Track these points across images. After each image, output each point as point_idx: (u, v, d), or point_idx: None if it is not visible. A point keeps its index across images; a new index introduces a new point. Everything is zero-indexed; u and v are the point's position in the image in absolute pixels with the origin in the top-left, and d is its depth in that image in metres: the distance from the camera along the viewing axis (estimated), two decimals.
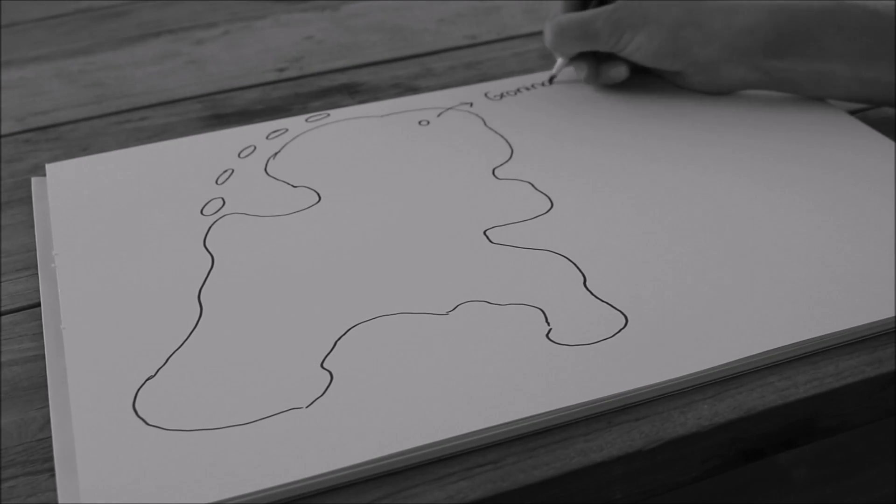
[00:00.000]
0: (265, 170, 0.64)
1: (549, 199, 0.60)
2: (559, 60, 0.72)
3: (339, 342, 0.50)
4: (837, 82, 0.65)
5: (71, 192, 0.63)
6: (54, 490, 0.44)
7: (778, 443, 0.48)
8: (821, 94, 0.67)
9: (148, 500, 0.42)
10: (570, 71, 0.73)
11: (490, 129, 0.67)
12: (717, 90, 0.69)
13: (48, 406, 0.48)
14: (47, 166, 0.66)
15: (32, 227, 0.61)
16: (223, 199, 0.62)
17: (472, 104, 0.71)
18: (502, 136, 0.67)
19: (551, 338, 0.50)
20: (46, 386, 0.49)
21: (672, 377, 0.47)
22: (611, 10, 0.67)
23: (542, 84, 0.73)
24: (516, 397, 0.46)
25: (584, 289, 0.53)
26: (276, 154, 0.66)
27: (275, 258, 0.56)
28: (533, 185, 0.61)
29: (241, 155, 0.66)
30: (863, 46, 0.63)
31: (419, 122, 0.69)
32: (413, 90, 0.76)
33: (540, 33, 0.84)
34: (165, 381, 0.48)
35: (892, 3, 0.64)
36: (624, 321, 0.50)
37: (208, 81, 0.79)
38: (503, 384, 0.47)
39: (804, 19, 0.64)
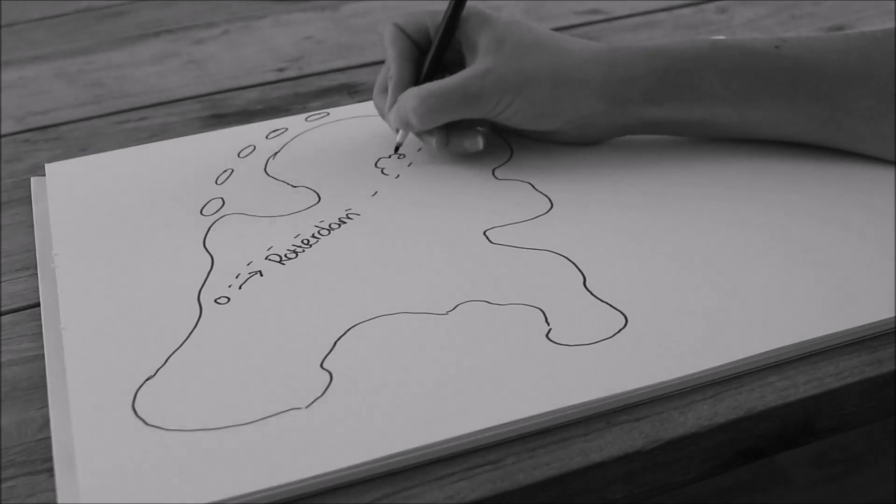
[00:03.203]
0: (265, 169, 0.64)
1: (549, 199, 0.60)
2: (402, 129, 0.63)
3: (339, 342, 0.50)
4: (721, 125, 0.62)
5: (71, 192, 0.63)
6: (54, 490, 0.44)
7: (778, 443, 0.48)
8: (706, 136, 0.64)
9: (148, 500, 0.42)
10: (410, 137, 0.65)
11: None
12: (589, 142, 0.64)
13: (48, 406, 0.48)
14: (47, 166, 0.66)
15: (32, 227, 0.61)
16: (223, 199, 0.61)
17: None
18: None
19: (551, 338, 0.50)
20: (46, 386, 0.49)
21: (672, 377, 0.47)
22: (485, 71, 0.60)
23: (394, 156, 0.65)
24: (516, 397, 0.46)
25: (584, 289, 0.53)
26: (275, 154, 0.66)
27: (274, 258, 0.56)
28: (533, 186, 0.61)
29: (241, 155, 0.66)
30: (743, 87, 0.60)
31: None
32: None
33: None
34: (165, 381, 0.48)
35: (770, 39, 0.61)
36: (624, 321, 0.50)
37: (208, 81, 0.79)
38: (503, 384, 0.47)
39: (682, 64, 0.60)
